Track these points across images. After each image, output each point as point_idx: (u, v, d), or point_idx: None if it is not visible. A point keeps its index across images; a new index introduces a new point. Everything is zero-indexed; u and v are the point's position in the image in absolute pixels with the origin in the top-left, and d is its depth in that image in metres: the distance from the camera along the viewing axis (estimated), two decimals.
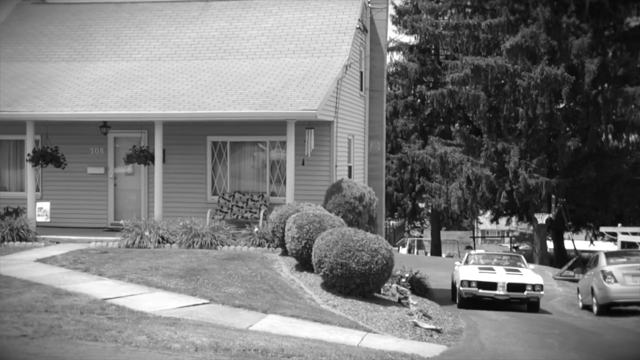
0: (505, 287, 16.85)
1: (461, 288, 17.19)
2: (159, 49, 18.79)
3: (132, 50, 18.94)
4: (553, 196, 32.66)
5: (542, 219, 32.17)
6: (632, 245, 26.83)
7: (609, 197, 33.44)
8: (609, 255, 18.02)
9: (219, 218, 16.26)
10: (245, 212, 16.59)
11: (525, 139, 32.62)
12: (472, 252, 21.30)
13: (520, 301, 17.16)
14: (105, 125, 17.42)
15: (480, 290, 16.94)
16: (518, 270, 17.94)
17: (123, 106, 15.86)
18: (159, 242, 14.74)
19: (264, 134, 17.00)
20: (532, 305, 17.31)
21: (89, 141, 17.92)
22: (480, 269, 17.87)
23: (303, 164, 16.33)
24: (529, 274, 17.57)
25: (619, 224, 30.00)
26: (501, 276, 17.21)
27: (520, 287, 16.90)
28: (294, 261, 13.58)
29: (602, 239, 37.58)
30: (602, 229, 30.72)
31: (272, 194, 17.06)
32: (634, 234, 27.57)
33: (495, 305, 17.14)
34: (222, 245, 14.71)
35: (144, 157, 16.69)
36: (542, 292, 16.92)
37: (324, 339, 9.13)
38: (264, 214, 15.97)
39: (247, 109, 15.25)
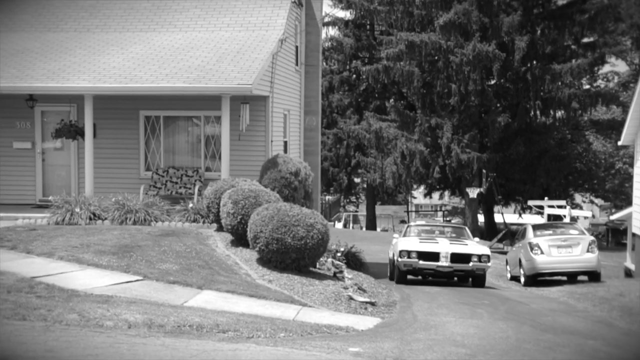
0: (448, 258, 15.58)
1: (399, 259, 15.83)
2: (88, 19, 18.19)
3: (59, 21, 18.28)
4: (484, 171, 33.50)
5: (473, 193, 32.97)
6: (557, 217, 27.84)
7: (536, 171, 34.52)
8: (536, 227, 18.64)
9: (153, 194, 16.00)
10: (180, 187, 16.38)
11: (458, 114, 33.24)
12: (412, 223, 20.07)
13: (465, 274, 16.06)
14: (31, 99, 16.80)
15: (421, 262, 15.65)
16: (462, 241, 16.64)
17: (50, 79, 15.33)
18: (90, 219, 14.41)
19: (198, 108, 16.75)
20: (477, 279, 16.19)
21: (15, 115, 17.26)
22: (421, 239, 16.65)
23: (239, 139, 16.19)
24: (474, 245, 16.43)
25: (546, 198, 31.07)
26: (444, 246, 15.91)
27: (465, 257, 15.65)
28: (229, 237, 13.51)
29: (530, 212, 38.89)
30: (530, 203, 31.76)
31: (207, 169, 16.88)
32: (560, 207, 28.61)
33: (438, 279, 16.42)
34: (156, 222, 14.50)
35: (74, 131, 16.19)
36: (489, 264, 15.76)
37: (259, 314, 9.15)
38: (198, 190, 15.80)
39: (181, 83, 14.98)
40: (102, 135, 16.78)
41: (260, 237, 11.77)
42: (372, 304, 11.29)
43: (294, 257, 11.78)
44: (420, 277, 16.82)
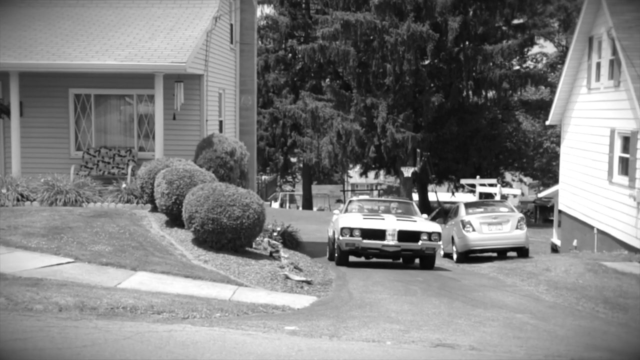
0: (395, 236, 14.26)
1: (341, 238, 14.38)
2: None
3: None
4: (418, 150, 34.03)
5: (408, 172, 33.49)
6: (489, 195, 28.61)
7: (469, 150, 35.30)
8: (468, 205, 19.09)
9: (84, 174, 15.61)
10: (112, 167, 16.02)
11: (393, 94, 33.58)
12: (354, 197, 18.32)
13: (413, 254, 14.88)
14: None
15: (365, 241, 14.29)
16: (410, 218, 15.41)
17: None
18: (17, 200, 13.95)
19: (131, 87, 16.36)
20: (426, 260, 14.92)
21: None
22: (365, 216, 15.30)
23: (174, 118, 15.92)
24: (423, 222, 15.22)
25: (478, 176, 31.86)
26: (391, 223, 14.56)
27: (414, 235, 14.39)
28: (164, 217, 13.33)
29: (462, 191, 39.81)
30: (463, 181, 32.52)
31: (141, 149, 16.55)
32: (491, 185, 29.40)
33: (398, 270, 14.79)
34: (88, 202, 14.17)
35: None
36: (439, 243, 14.58)
37: (195, 295, 9.09)
38: (132, 170, 15.50)
39: (112, 61, 14.59)
40: (30, 114, 16.21)
41: (195, 218, 11.66)
42: (309, 282, 11.37)
43: (230, 237, 11.72)
44: (363, 258, 15.69)
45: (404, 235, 14.35)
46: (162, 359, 5.96)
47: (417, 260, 15.85)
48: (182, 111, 15.90)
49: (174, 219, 12.93)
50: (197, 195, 11.79)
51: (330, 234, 16.61)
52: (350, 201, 17.17)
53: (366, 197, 19.44)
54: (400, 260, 16.14)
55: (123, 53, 14.82)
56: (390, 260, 16.11)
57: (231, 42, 19.40)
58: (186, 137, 16.17)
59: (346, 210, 16.37)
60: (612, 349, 7.62)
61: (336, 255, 15.07)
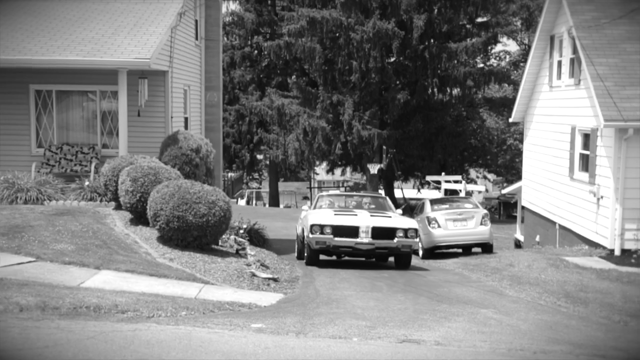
0: (369, 233, 13.33)
1: (311, 236, 13.43)
2: None
3: None
4: (384, 147, 34.19)
5: (374, 169, 33.64)
6: (454, 192, 28.91)
7: (434, 147, 35.59)
8: (433, 202, 19.26)
9: (46, 172, 15.34)
10: (75, 165, 15.77)
11: (359, 91, 33.68)
12: (324, 192, 17.42)
13: (388, 252, 13.89)
14: None
15: (337, 239, 13.36)
16: (384, 214, 14.61)
17: None
18: None
19: (94, 83, 16.12)
20: (402, 259, 14.01)
21: None
22: (336, 212, 14.39)
23: (139, 114, 15.74)
24: (399, 218, 14.39)
25: (443, 173, 32.17)
26: (364, 219, 13.65)
27: (389, 232, 13.46)
28: (128, 215, 13.18)
29: (428, 187, 40.12)
30: (428, 178, 32.80)
31: (104, 146, 16.33)
32: (456, 182, 29.70)
33: (356, 260, 14.54)
34: (50, 200, 13.93)
35: None
36: (416, 240, 13.81)
37: (160, 293, 9.01)
38: (95, 167, 15.28)
39: (74, 56, 14.36)
40: None
41: (160, 215, 11.55)
42: (275, 280, 11.35)
43: (195, 235, 11.64)
44: (334, 257, 14.82)
45: (378, 232, 13.39)
46: (126, 359, 5.89)
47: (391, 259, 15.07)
48: (146, 108, 15.73)
49: (139, 217, 12.79)
50: (162, 193, 11.67)
51: (299, 231, 15.70)
52: (320, 196, 16.17)
53: (337, 191, 17.52)
54: (374, 260, 15.27)
55: (85, 48, 14.60)
56: (363, 259, 15.21)
57: (196, 39, 19.25)
58: (151, 134, 16.00)
59: (316, 206, 15.49)
60: (574, 342, 7.76)
61: (306, 254, 14.19)
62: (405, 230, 13.53)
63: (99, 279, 9.38)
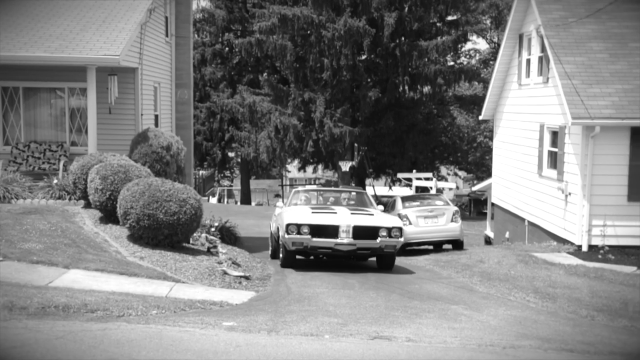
0: (350, 233, 12.32)
1: (287, 236, 12.39)
2: None
3: None
4: (356, 144, 34.30)
5: (345, 166, 33.71)
6: (425, 189, 29.10)
7: (405, 145, 35.79)
8: (404, 199, 19.35)
9: (13, 170, 15.10)
10: (43, 163, 15.55)
11: (331, 89, 33.72)
12: (300, 187, 16.16)
13: (370, 252, 12.92)
14: None
15: (315, 239, 12.32)
16: (366, 211, 13.62)
17: None
18: None
19: (62, 79, 15.91)
20: (385, 260, 13.11)
21: None
22: (314, 209, 13.35)
23: (110, 112, 15.57)
24: (381, 215, 13.51)
25: (414, 170, 32.35)
26: (344, 217, 12.63)
27: (371, 231, 12.48)
28: (98, 214, 13.03)
29: (399, 185, 40.34)
30: (399, 175, 32.93)
31: (73, 143, 16.13)
32: (427, 179, 29.90)
33: (336, 262, 13.52)
34: (17, 199, 13.72)
35: None
36: (401, 239, 12.66)
37: (130, 292, 8.93)
38: (64, 165, 15.08)
39: (41, 52, 14.16)
40: None
41: (130, 214, 11.44)
42: (247, 278, 11.32)
43: (166, 233, 11.56)
44: (312, 258, 13.87)
45: (360, 232, 12.37)
46: (96, 359, 5.83)
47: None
48: (116, 105, 15.57)
49: (109, 215, 12.66)
50: (133, 191, 11.57)
51: (273, 229, 14.90)
52: (295, 191, 15.12)
53: (313, 186, 16.32)
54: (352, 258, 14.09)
55: (53, 45, 14.40)
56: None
57: (166, 35, 19.10)
58: (120, 131, 15.84)
59: (291, 203, 14.46)
60: (542, 337, 7.87)
61: (281, 255, 13.25)
62: (389, 229, 12.49)
63: (68, 278, 9.26)
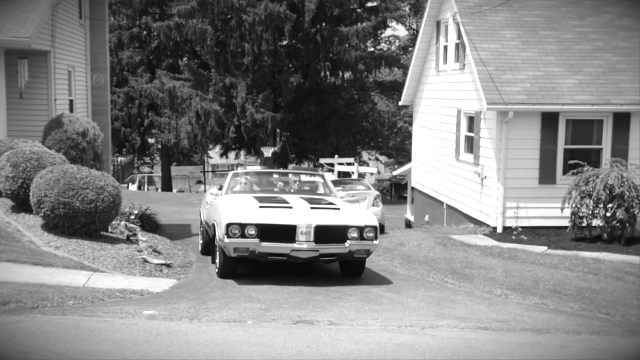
0: (311, 235, 9.46)
1: (227, 240, 9.46)
2: None
3: None
4: (278, 130, 34.25)
5: (268, 152, 33.63)
6: (347, 174, 29.40)
7: (327, 130, 36.02)
8: None
9: None
10: None
11: (252, 74, 33.49)
12: (241, 170, 12.83)
13: (337, 258, 9.94)
14: None
15: (265, 244, 9.48)
16: (329, 202, 10.59)
17: None
18: None
19: None
20: (353, 267, 10.35)
21: None
22: (261, 200, 10.30)
23: (21, 97, 14.94)
24: (350, 209, 10.48)
25: (336, 156, 32.62)
26: (303, 214, 9.71)
27: (339, 233, 9.64)
28: (9, 203, 12.53)
29: (322, 170, 40.58)
30: (322, 161, 33.12)
31: None
32: (349, 164, 30.21)
33: (293, 269, 10.57)
34: None
35: None
36: (376, 242, 9.81)
37: (46, 283, 8.65)
38: None
39: None
40: None
41: (45, 202, 11.06)
42: (168, 265, 11.16)
43: (83, 222, 11.23)
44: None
45: (324, 233, 9.56)
46: (9, 352, 5.63)
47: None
48: (28, 90, 14.97)
49: (21, 204, 12.20)
50: (47, 179, 11.18)
51: (205, 218, 12.24)
52: (234, 175, 11.91)
53: (258, 168, 12.97)
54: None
55: None
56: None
57: (80, 18, 18.46)
58: (33, 117, 15.26)
59: (230, 189, 11.39)
60: (459, 316, 8.13)
61: (218, 261, 10.17)
62: (361, 230, 9.68)
63: None
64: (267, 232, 9.55)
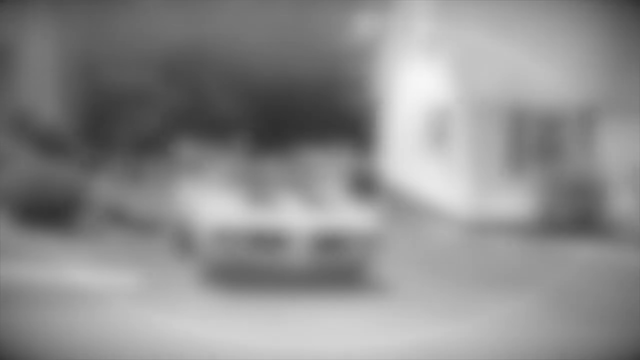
0: (310, 243, 7.88)
1: (210, 247, 7.87)
2: None
3: None
4: None
5: None
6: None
7: None
8: None
9: None
10: None
11: None
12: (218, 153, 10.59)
13: (339, 270, 8.16)
14: None
15: (255, 253, 7.89)
16: (330, 201, 8.78)
17: None
18: None
19: None
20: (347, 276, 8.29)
21: None
22: (248, 199, 8.48)
23: None
24: (345, 207, 8.66)
25: None
26: (297, 216, 8.16)
27: (340, 239, 7.97)
28: None
29: None
30: None
31: None
32: None
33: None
34: None
35: None
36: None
37: None
38: None
39: None
40: None
41: None
42: None
43: None
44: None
45: (324, 240, 7.88)
46: None
47: None
48: None
49: None
50: None
51: (175, 215, 9.95)
52: (207, 158, 9.61)
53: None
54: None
55: None
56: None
57: None
58: None
59: (206, 179, 9.15)
60: None
61: (201, 269, 8.30)
62: (361, 237, 8.03)
63: None
64: (259, 238, 7.96)
